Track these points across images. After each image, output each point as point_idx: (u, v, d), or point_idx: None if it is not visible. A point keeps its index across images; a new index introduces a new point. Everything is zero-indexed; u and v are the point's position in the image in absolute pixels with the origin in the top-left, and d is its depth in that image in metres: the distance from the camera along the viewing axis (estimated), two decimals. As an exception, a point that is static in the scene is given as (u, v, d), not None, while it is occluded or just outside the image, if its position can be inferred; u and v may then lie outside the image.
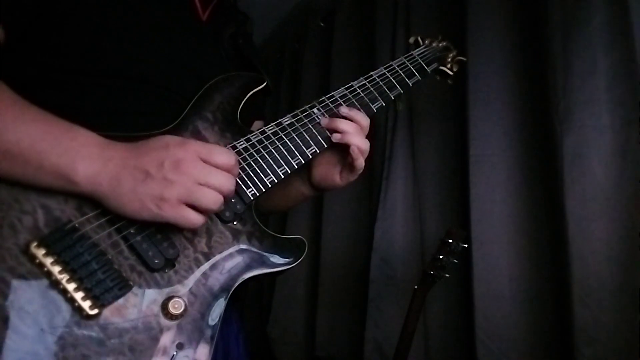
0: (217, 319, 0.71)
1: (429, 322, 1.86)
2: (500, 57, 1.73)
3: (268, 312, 2.60)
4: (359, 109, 0.94)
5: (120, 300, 0.65)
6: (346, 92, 0.96)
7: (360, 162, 0.92)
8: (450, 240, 1.41)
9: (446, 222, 1.86)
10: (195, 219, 0.66)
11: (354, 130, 0.90)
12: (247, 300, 2.99)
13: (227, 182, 0.68)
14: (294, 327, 2.51)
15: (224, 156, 0.69)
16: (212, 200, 0.66)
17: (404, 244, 1.99)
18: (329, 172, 0.97)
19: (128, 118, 0.79)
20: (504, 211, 1.66)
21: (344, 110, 0.92)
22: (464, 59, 1.25)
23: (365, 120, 0.93)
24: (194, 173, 0.65)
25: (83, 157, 0.64)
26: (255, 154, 0.81)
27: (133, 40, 0.80)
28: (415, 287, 1.47)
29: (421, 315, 1.55)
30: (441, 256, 1.42)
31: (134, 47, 0.80)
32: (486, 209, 1.68)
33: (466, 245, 1.48)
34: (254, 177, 0.80)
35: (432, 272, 1.43)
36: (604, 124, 1.43)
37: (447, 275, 1.45)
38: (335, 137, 0.90)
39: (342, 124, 0.90)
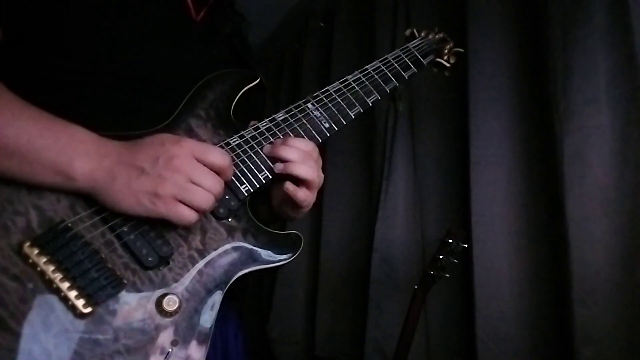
0: (213, 316, 0.71)
1: (429, 321, 1.86)
2: (501, 57, 1.73)
3: (268, 311, 2.60)
4: (302, 136, 0.85)
5: (114, 299, 0.65)
6: (341, 86, 0.94)
7: (300, 196, 0.80)
8: (450, 240, 1.41)
9: (446, 222, 1.86)
10: (188, 215, 0.66)
11: (298, 158, 0.79)
12: (247, 299, 2.99)
13: (215, 185, 0.68)
14: (294, 327, 2.51)
15: (219, 156, 0.69)
16: (204, 199, 0.66)
17: (404, 244, 1.99)
18: (282, 205, 0.87)
19: (127, 117, 0.79)
20: (504, 211, 1.66)
21: (278, 141, 0.81)
22: (462, 50, 1.22)
23: (306, 146, 0.81)
24: (187, 171, 0.65)
25: (80, 153, 0.65)
26: (249, 150, 0.81)
27: (131, 41, 0.80)
28: (416, 287, 1.47)
29: (421, 315, 1.55)
30: (441, 256, 1.42)
31: (132, 47, 0.80)
32: (486, 209, 1.68)
33: (466, 245, 1.48)
34: (248, 174, 0.79)
35: (432, 272, 1.43)
36: (604, 124, 1.42)
37: (447, 275, 1.45)
38: (278, 168, 0.80)
39: (285, 152, 0.79)
